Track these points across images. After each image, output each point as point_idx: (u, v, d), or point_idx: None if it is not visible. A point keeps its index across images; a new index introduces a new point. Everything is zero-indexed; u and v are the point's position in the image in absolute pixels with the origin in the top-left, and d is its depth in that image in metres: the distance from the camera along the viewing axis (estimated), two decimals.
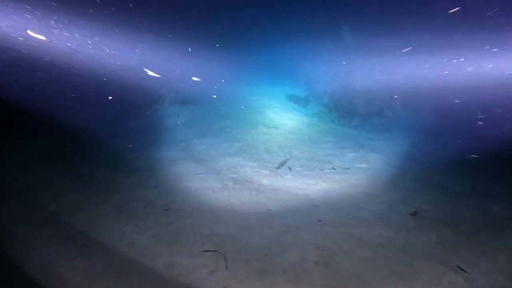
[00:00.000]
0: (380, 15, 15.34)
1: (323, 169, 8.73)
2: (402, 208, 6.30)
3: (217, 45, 19.99)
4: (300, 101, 19.03)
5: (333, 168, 8.79)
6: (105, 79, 14.09)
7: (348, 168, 8.81)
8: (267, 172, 8.35)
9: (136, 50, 16.62)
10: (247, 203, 6.48)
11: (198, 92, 17.81)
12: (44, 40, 12.58)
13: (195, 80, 18.93)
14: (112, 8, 15.10)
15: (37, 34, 12.03)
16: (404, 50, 15.75)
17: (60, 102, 12.27)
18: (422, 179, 7.95)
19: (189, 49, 18.97)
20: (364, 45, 15.91)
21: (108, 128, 12.33)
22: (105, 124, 12.67)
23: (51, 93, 12.54)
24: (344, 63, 17.09)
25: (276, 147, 10.64)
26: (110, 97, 13.60)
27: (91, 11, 14.48)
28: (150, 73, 16.17)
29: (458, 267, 4.43)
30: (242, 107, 15.81)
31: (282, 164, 9.10)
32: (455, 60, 14.61)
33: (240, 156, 9.64)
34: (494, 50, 12.84)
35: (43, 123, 11.77)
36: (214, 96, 17.60)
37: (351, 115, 16.37)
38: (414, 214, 6.08)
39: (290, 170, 8.61)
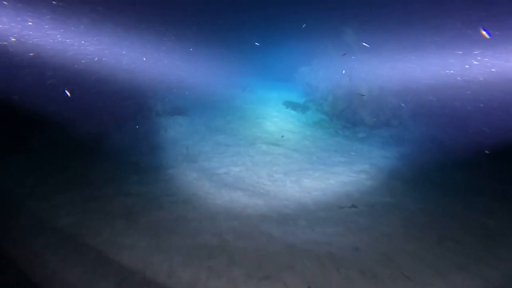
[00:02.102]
0: (387, 16, 13.65)
1: (342, 207, 6.99)
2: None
3: (209, 49, 18.02)
4: (298, 108, 17.28)
5: (354, 206, 7.04)
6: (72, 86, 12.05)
7: (372, 206, 7.08)
8: (274, 215, 6.55)
9: (121, 54, 14.57)
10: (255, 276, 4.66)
11: (188, 101, 15.89)
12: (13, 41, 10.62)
13: (185, 87, 16.98)
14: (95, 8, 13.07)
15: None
16: (411, 55, 14.13)
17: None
18: (471, 225, 6.27)
19: (190, 49, 17.01)
20: (369, 49, 14.20)
21: (82, 149, 10.35)
22: (78, 143, 10.68)
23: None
24: (344, 71, 15.37)
25: (281, 173, 8.86)
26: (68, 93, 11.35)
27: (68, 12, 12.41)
28: (134, 78, 14.17)
29: None
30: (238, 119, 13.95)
31: (292, 202, 7.32)
32: (467, 66, 13.06)
33: (240, 188, 7.83)
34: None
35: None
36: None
37: (355, 125, 14.71)
38: None
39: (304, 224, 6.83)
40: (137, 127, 12.85)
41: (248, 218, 6.37)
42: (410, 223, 6.26)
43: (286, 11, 19.38)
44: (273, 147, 10.87)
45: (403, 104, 14.52)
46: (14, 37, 10.62)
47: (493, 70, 11.74)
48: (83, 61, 11.69)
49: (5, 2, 10.52)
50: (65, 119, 11.56)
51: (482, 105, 12.18)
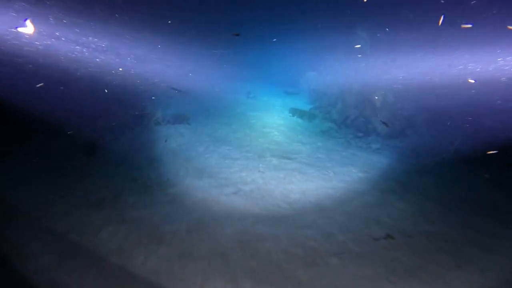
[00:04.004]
0: (403, 14, 12.53)
1: (377, 239, 5.76)
2: None
3: (213, 52, 16.84)
4: (305, 116, 16.09)
5: (390, 237, 5.82)
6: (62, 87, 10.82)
7: (410, 236, 5.87)
8: (300, 252, 5.31)
9: (116, 60, 13.39)
10: None
11: (190, 107, 14.68)
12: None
13: (187, 93, 15.78)
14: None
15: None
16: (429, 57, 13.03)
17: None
18: None
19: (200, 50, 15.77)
20: (385, 55, 13.09)
21: (72, 161, 9.08)
22: (69, 155, 9.43)
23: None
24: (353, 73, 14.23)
25: (298, 193, 7.64)
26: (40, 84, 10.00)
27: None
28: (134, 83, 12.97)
29: None
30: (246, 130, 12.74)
31: (317, 232, 6.10)
32: (491, 68, 11.98)
33: (253, 213, 6.60)
34: None
35: None
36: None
37: (367, 134, 13.53)
38: None
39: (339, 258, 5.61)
40: (131, 137, 11.61)
41: (267, 255, 5.13)
42: (464, 261, 5.05)
43: (292, 12, 18.22)
44: (284, 161, 9.65)
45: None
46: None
47: None
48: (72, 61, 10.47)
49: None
50: (53, 128, 10.32)
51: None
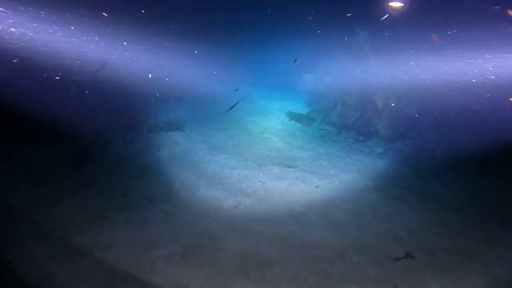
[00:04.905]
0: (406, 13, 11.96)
1: (397, 260, 5.12)
2: None
3: (205, 55, 16.14)
4: (303, 120, 15.48)
5: (411, 256, 5.19)
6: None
7: (432, 254, 5.23)
8: (312, 278, 4.64)
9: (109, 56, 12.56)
10: None
11: (185, 112, 13.97)
12: None
13: (181, 98, 15.07)
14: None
15: None
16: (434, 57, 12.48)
17: None
18: None
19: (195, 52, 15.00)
20: (385, 55, 12.53)
21: (56, 175, 8.31)
22: (52, 167, 8.65)
23: None
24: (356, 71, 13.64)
25: (303, 205, 6.98)
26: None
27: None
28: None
29: None
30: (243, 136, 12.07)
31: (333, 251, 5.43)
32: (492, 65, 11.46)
33: (256, 231, 5.91)
34: None
35: None
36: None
37: (368, 137, 12.94)
38: None
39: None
40: (122, 145, 10.85)
41: (276, 285, 4.44)
42: (499, 285, 4.42)
43: (288, 12, 17.57)
44: (286, 169, 8.99)
45: (416, 115, 12.77)
46: None
47: None
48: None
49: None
50: (36, 137, 9.54)
51: None
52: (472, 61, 11.39)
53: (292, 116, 15.73)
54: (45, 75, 9.57)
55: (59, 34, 10.27)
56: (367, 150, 11.65)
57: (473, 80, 11.57)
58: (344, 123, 14.08)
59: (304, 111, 16.62)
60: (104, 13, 10.81)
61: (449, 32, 11.16)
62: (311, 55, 16.66)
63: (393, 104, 11.85)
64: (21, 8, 9.35)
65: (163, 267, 4.80)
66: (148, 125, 12.01)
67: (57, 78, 9.50)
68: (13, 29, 9.37)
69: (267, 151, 10.51)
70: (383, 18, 11.36)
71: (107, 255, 5.07)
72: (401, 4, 10.79)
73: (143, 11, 12.62)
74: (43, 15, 9.93)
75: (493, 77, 10.81)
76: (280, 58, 19.02)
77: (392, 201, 7.21)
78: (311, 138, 12.71)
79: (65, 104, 9.66)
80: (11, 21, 9.44)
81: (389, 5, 10.70)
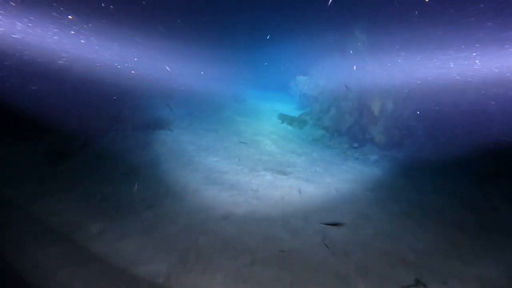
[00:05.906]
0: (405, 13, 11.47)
1: (407, 287, 4.53)
2: None
3: (196, 52, 15.34)
4: (295, 123, 14.90)
5: (422, 284, 4.62)
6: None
7: (445, 283, 4.68)
8: None
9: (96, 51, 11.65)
10: None
11: (173, 111, 13.13)
12: None
13: (169, 95, 14.21)
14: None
15: None
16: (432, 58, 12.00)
17: None
18: None
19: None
20: (384, 57, 12.03)
21: (29, 177, 7.41)
22: (24, 167, 7.73)
23: None
24: (347, 85, 13.10)
25: (300, 218, 6.35)
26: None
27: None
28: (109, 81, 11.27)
29: None
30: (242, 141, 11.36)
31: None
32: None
33: (248, 247, 5.24)
34: None
35: None
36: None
37: (362, 144, 12.45)
38: None
39: None
40: (104, 144, 9.97)
41: None
42: None
43: (281, 11, 16.93)
44: (279, 176, 8.34)
45: (418, 112, 12.22)
46: None
47: None
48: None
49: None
50: (11, 132, 8.60)
51: None
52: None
53: (284, 118, 15.12)
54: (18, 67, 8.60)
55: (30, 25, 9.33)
56: (362, 157, 11.16)
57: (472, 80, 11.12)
58: (337, 127, 13.56)
59: (296, 113, 16.04)
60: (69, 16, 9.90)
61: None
62: (305, 56, 16.07)
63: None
64: None
65: None
66: (133, 122, 11.15)
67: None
68: None
69: (258, 155, 9.85)
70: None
71: (75, 275, 4.29)
72: None
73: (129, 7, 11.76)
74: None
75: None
76: (274, 59, 18.40)
77: (395, 216, 6.67)
78: (304, 142, 12.14)
79: (39, 97, 8.72)
80: None
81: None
